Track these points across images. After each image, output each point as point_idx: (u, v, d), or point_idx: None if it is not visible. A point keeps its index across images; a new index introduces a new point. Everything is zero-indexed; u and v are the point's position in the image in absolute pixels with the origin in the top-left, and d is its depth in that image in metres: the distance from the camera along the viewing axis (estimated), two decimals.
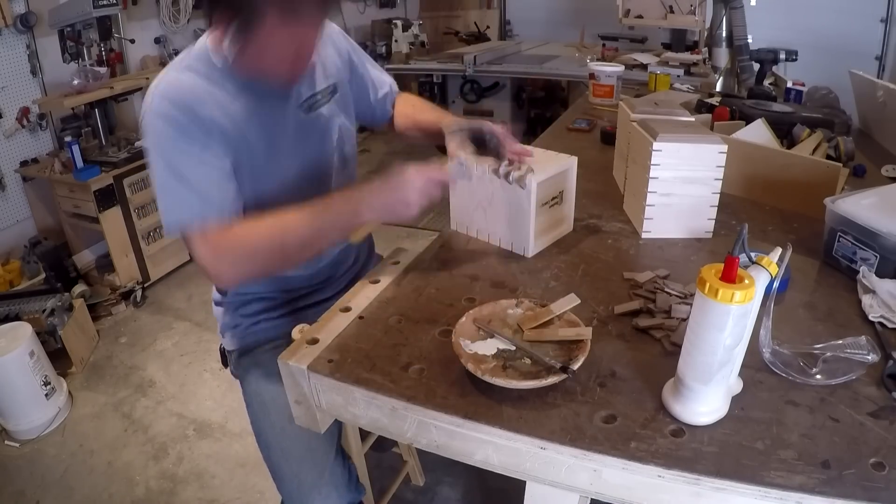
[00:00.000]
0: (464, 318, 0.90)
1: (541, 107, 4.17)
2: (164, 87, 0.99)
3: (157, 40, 3.32)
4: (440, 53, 4.23)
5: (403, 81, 3.97)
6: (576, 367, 0.79)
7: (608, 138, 1.77)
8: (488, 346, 0.86)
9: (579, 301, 0.93)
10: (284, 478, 1.11)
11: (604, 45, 3.77)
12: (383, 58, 4.78)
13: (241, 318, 1.23)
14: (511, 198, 1.12)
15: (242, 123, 1.03)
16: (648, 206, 1.18)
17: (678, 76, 2.83)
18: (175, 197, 0.98)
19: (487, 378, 0.78)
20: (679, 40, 3.64)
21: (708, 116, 1.71)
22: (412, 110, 1.34)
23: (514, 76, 3.86)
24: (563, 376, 0.78)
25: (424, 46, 4.88)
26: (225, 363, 1.33)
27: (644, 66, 3.04)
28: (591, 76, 2.30)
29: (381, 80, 1.32)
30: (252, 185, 1.06)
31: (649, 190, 1.16)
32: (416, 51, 4.75)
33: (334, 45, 1.21)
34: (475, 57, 3.64)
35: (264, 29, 0.91)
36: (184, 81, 1.00)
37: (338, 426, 1.15)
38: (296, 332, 0.95)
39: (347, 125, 1.23)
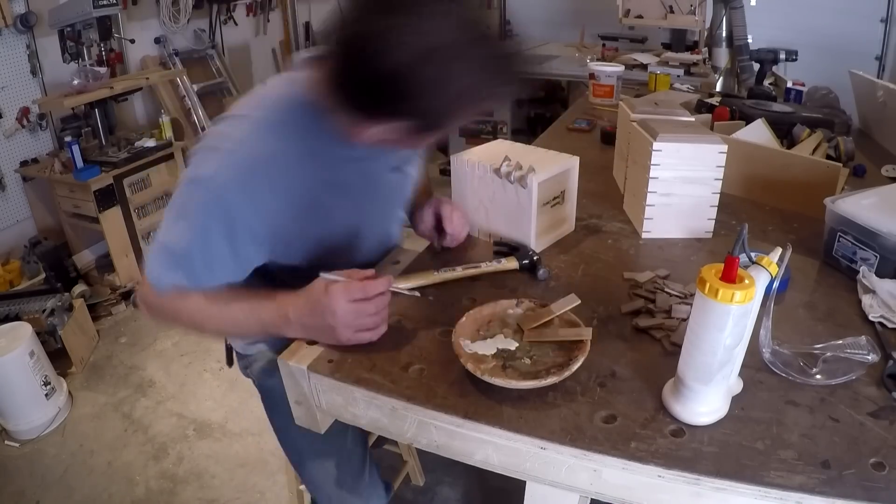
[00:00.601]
0: (464, 318, 0.89)
1: (541, 107, 4.17)
2: (241, 156, 0.84)
3: (157, 40, 3.32)
4: None
5: None
6: (575, 367, 0.79)
7: (608, 138, 1.77)
8: (488, 346, 0.86)
9: (579, 301, 0.93)
10: (321, 484, 1.09)
11: (604, 45, 3.77)
12: None
13: None
14: (512, 197, 1.12)
15: (325, 179, 0.93)
16: (648, 206, 1.18)
17: (678, 76, 2.83)
18: (185, 253, 0.87)
19: (487, 378, 0.78)
20: (679, 40, 3.63)
21: (708, 116, 1.71)
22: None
23: None
24: (563, 376, 0.78)
25: None
26: (229, 362, 1.31)
27: (644, 66, 3.04)
28: (591, 76, 2.30)
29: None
30: (313, 237, 0.97)
31: (649, 190, 1.16)
32: None
33: None
34: None
35: (422, 134, 0.80)
36: (267, 153, 0.85)
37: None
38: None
39: (415, 178, 1.16)
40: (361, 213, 1.02)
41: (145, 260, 0.90)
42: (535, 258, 1.08)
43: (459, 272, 1.05)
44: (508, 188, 1.12)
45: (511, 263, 1.07)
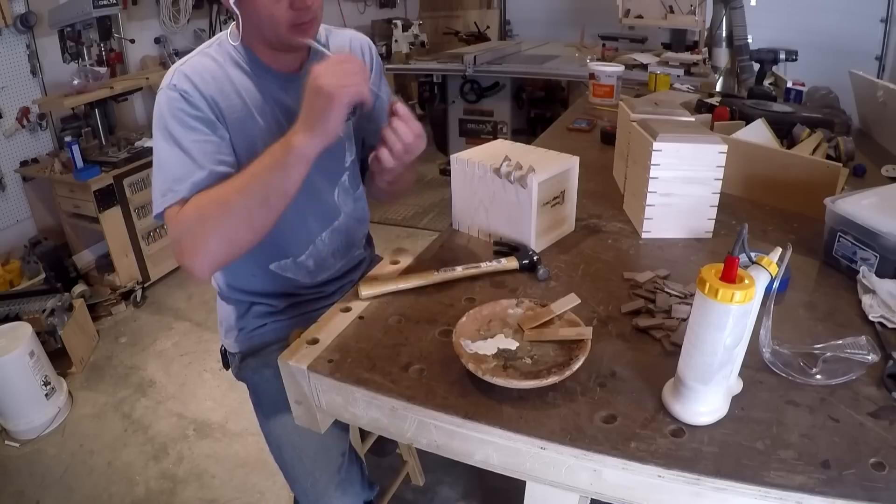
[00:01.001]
0: (464, 318, 0.89)
1: (541, 107, 4.17)
2: (187, 67, 1.01)
3: (157, 40, 3.32)
4: (440, 53, 4.23)
5: (403, 81, 3.97)
6: (576, 367, 0.79)
7: (608, 138, 1.77)
8: (489, 346, 0.86)
9: (579, 301, 0.93)
10: (298, 477, 1.11)
11: (604, 45, 3.77)
12: (383, 58, 4.77)
13: (247, 321, 1.24)
14: (512, 198, 1.12)
15: (258, 108, 1.05)
16: (648, 206, 1.18)
17: (678, 76, 2.83)
18: (174, 167, 0.97)
19: (488, 378, 0.78)
20: (679, 40, 3.64)
21: (708, 116, 1.71)
22: None
23: (514, 76, 3.86)
24: (564, 375, 0.78)
25: (424, 46, 4.88)
26: (226, 365, 1.33)
27: (644, 66, 3.04)
28: (591, 76, 2.30)
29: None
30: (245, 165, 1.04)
31: (649, 190, 1.16)
32: (416, 51, 4.75)
33: (378, 78, 1.20)
34: (475, 57, 3.64)
35: None
36: (206, 64, 1.02)
37: (347, 424, 1.15)
38: (293, 337, 0.95)
39: (348, 133, 1.20)
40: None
41: (155, 198, 0.98)
42: (534, 258, 1.08)
43: (459, 272, 1.05)
44: (508, 188, 1.12)
45: (511, 263, 1.08)
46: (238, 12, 0.99)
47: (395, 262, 1.13)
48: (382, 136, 0.99)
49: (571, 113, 2.24)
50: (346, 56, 0.93)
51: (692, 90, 2.38)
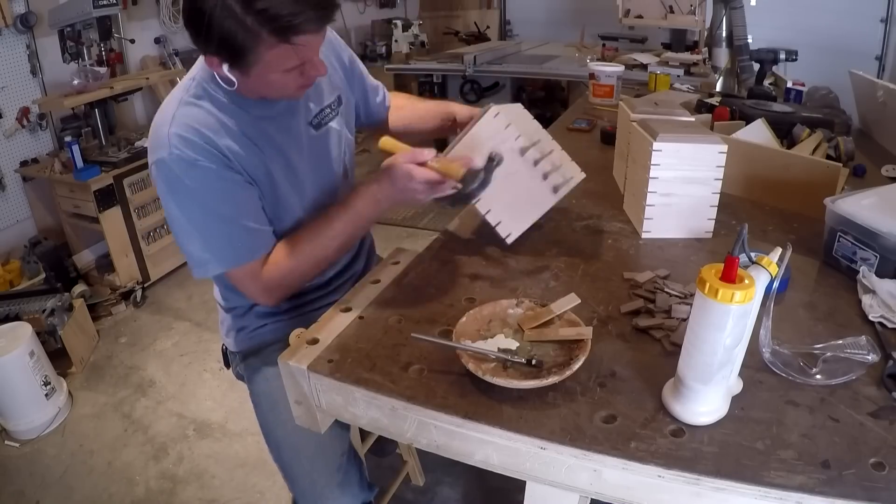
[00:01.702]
0: (464, 318, 0.89)
1: (541, 107, 4.17)
2: (179, 127, 0.95)
3: (157, 40, 3.32)
4: (440, 53, 4.23)
5: (403, 81, 3.97)
6: (576, 366, 0.79)
7: (608, 138, 1.77)
8: (489, 346, 0.86)
9: (579, 301, 0.93)
10: (297, 477, 1.11)
11: (604, 45, 3.77)
12: (383, 58, 4.78)
13: (248, 320, 1.23)
14: (529, 185, 1.12)
15: (260, 149, 1.03)
16: (648, 206, 1.18)
17: (678, 76, 2.83)
18: (221, 238, 1.00)
19: (488, 378, 0.78)
20: (679, 40, 3.63)
21: (708, 116, 1.71)
22: (408, 102, 1.36)
23: (514, 76, 3.86)
24: (564, 375, 0.78)
25: (424, 46, 4.88)
26: (227, 364, 1.33)
27: (644, 66, 3.04)
28: (591, 76, 2.30)
29: (374, 83, 1.33)
30: (273, 207, 1.07)
31: (649, 190, 1.16)
32: (416, 51, 4.75)
33: (335, 51, 1.20)
34: (475, 57, 3.64)
35: (262, 52, 0.89)
36: (198, 117, 0.97)
37: (347, 424, 1.15)
38: (293, 337, 0.95)
39: (349, 136, 1.24)
40: (295, 168, 1.09)
41: (201, 261, 1.01)
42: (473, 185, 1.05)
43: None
44: (529, 173, 1.11)
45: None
46: (234, 79, 0.95)
47: (396, 263, 1.13)
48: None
49: (571, 113, 2.24)
50: (429, 175, 0.99)
51: (692, 90, 2.38)
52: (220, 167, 0.97)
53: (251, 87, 0.98)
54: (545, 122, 1.48)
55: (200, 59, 1.01)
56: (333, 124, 1.17)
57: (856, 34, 4.07)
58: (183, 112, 0.97)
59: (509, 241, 1.15)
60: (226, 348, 1.30)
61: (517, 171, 1.11)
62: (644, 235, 1.21)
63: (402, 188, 0.99)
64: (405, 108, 1.36)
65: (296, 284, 1.09)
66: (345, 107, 1.20)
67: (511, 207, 1.14)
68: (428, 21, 5.26)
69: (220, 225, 0.99)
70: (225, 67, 0.92)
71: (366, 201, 1.04)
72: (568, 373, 0.78)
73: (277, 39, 0.87)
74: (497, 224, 1.15)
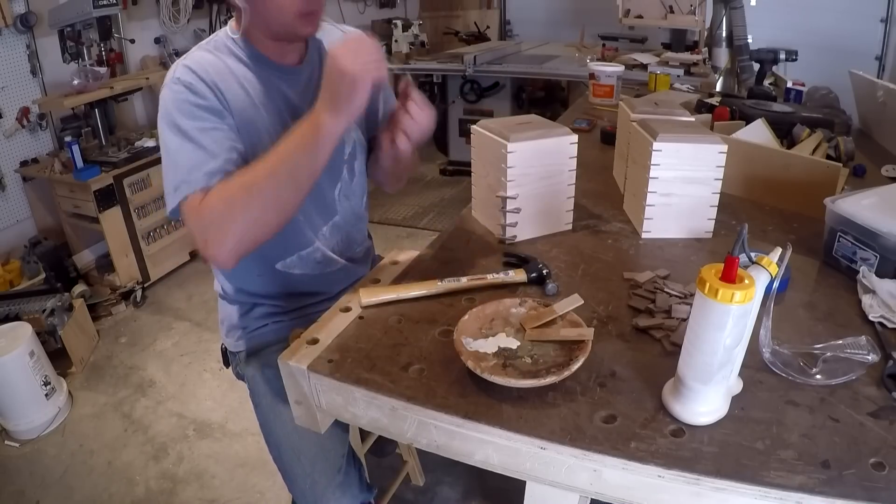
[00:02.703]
0: (466, 316, 0.89)
1: (541, 107, 4.18)
2: (188, 61, 1.02)
3: (157, 40, 3.32)
4: (440, 53, 4.23)
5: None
6: (576, 367, 0.79)
7: (608, 138, 1.77)
8: (489, 345, 0.86)
9: (582, 301, 0.93)
10: (297, 478, 1.11)
11: (604, 45, 3.77)
12: None
13: (248, 321, 1.23)
14: (557, 207, 1.18)
15: (260, 99, 1.05)
16: (648, 206, 1.18)
17: (678, 76, 2.83)
18: (187, 158, 0.96)
19: (487, 376, 0.78)
20: (679, 40, 3.64)
21: (708, 116, 1.72)
22: None
23: (514, 76, 3.86)
24: (563, 375, 0.78)
25: (424, 46, 4.87)
26: (227, 363, 1.33)
27: (644, 66, 3.04)
28: (591, 76, 2.30)
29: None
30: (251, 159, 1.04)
31: (649, 190, 1.16)
32: (416, 51, 4.74)
33: None
34: (475, 57, 3.64)
35: None
36: (207, 58, 1.03)
37: (347, 425, 1.15)
38: (293, 337, 0.95)
39: (362, 140, 1.23)
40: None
41: (168, 194, 0.97)
42: (544, 272, 1.04)
43: (464, 283, 1.02)
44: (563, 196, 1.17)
45: (519, 276, 1.05)
46: (243, 4, 0.99)
47: (395, 263, 1.13)
48: (396, 118, 1.00)
49: (571, 113, 2.24)
50: (360, 36, 0.92)
51: (692, 90, 2.38)
52: (208, 96, 0.99)
53: (255, 13, 1.00)
54: None
55: (226, 26, 1.09)
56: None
57: (856, 34, 4.07)
58: (196, 54, 1.04)
59: (507, 241, 1.16)
60: (225, 348, 1.30)
61: (557, 191, 1.18)
62: (644, 235, 1.21)
63: (330, 74, 0.88)
64: None
65: (227, 219, 0.91)
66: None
67: (534, 217, 1.17)
68: (428, 21, 5.26)
69: (188, 145, 0.96)
70: (240, 14, 0.98)
71: (305, 117, 0.93)
72: (567, 373, 0.78)
73: None
74: (510, 223, 1.16)
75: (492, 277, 1.03)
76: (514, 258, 1.11)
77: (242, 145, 1.02)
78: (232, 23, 1.08)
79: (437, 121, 1.04)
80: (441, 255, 1.17)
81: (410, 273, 1.10)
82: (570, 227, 1.24)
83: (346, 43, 0.89)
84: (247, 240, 0.93)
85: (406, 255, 1.16)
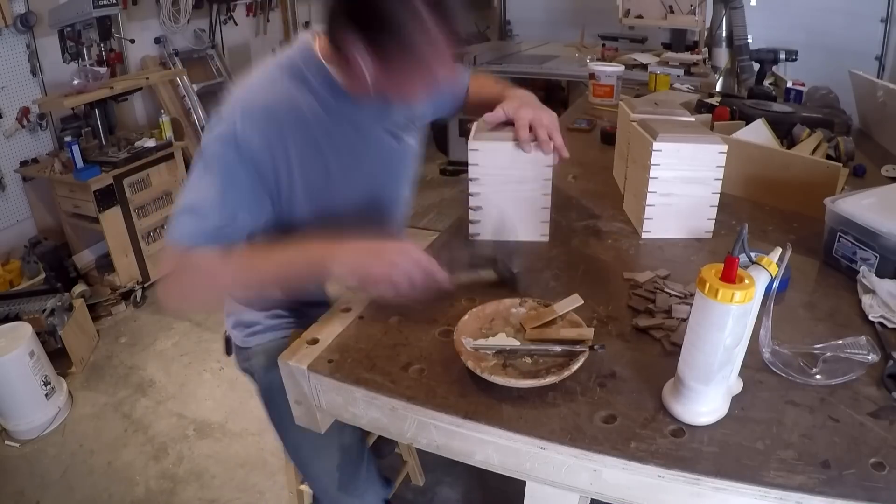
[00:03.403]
0: (466, 316, 0.89)
1: None
2: (251, 105, 0.94)
3: (157, 40, 3.32)
4: None
5: None
6: (575, 367, 0.79)
7: (608, 138, 1.77)
8: (489, 344, 0.86)
9: (582, 301, 0.93)
10: (318, 476, 1.10)
11: (604, 45, 3.76)
12: None
13: (259, 317, 1.21)
14: (527, 215, 1.14)
15: (325, 129, 1.00)
16: (648, 206, 1.18)
17: (678, 76, 2.83)
18: (202, 198, 0.93)
19: (486, 376, 0.78)
20: (679, 40, 3.63)
21: (708, 116, 1.71)
22: (479, 89, 1.31)
23: (514, 76, 3.86)
24: (563, 376, 0.78)
25: None
26: (228, 352, 1.31)
27: (644, 66, 3.04)
28: (591, 76, 2.30)
29: (461, 72, 1.27)
30: (317, 198, 1.03)
31: (649, 190, 1.16)
32: None
33: None
34: (475, 57, 3.64)
35: (415, 42, 0.85)
36: (275, 96, 0.95)
37: None
38: (292, 338, 0.95)
39: (418, 151, 1.21)
40: (360, 176, 1.05)
41: (170, 227, 0.94)
42: (514, 270, 1.02)
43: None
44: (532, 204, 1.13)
45: (488, 275, 1.04)
46: (371, 74, 0.90)
47: None
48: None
49: (571, 113, 2.24)
50: (427, 266, 0.89)
51: (692, 90, 2.38)
52: (255, 167, 0.94)
53: (379, 87, 0.92)
54: None
55: (306, 36, 1.00)
56: (411, 140, 1.13)
57: (856, 34, 4.07)
58: (264, 95, 0.96)
59: (472, 238, 1.16)
60: (229, 337, 1.29)
61: (527, 198, 1.14)
62: (644, 235, 1.21)
63: (377, 253, 0.88)
64: (480, 92, 1.29)
65: (195, 297, 0.98)
66: (421, 119, 1.17)
67: (501, 218, 1.15)
68: None
69: (206, 194, 0.93)
70: (356, 58, 0.88)
71: (320, 248, 0.92)
72: (567, 373, 0.78)
73: (435, 32, 0.85)
74: (474, 222, 1.15)
75: (464, 276, 1.02)
76: (481, 260, 1.08)
77: (292, 198, 0.99)
78: (319, 44, 0.98)
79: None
80: (442, 254, 1.17)
81: None
82: (546, 238, 1.19)
83: (410, 258, 0.87)
84: (190, 308, 1.00)
85: None
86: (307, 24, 4.19)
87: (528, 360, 0.84)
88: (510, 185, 1.13)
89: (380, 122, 1.06)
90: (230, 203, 0.93)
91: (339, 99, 0.99)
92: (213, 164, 0.94)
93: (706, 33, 3.16)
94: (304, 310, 1.22)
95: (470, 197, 1.13)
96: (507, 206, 1.14)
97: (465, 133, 4.00)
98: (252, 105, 0.94)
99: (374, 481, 1.11)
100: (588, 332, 0.85)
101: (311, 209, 1.02)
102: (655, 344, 0.89)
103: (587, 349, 0.81)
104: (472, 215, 1.16)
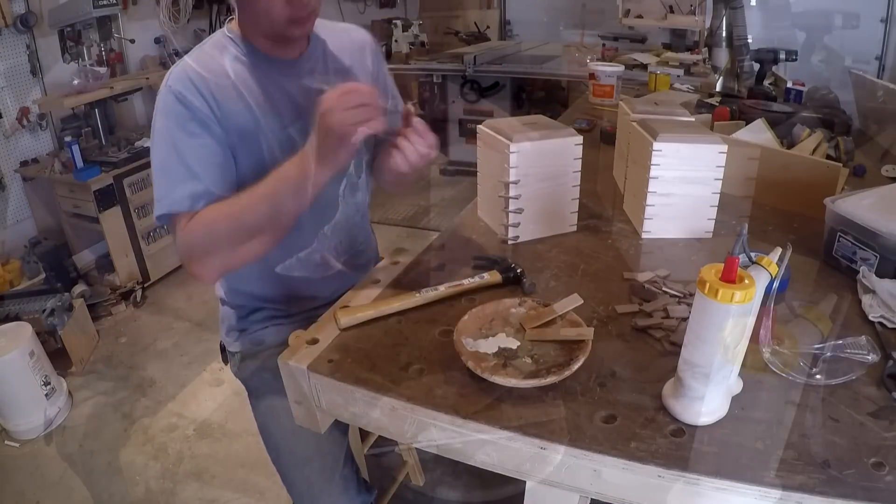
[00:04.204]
0: (466, 316, 0.89)
1: (541, 107, 4.17)
2: (185, 66, 1.02)
3: (157, 40, 3.32)
4: (440, 53, 4.23)
5: (403, 81, 3.98)
6: (575, 367, 0.79)
7: (608, 138, 1.76)
8: (489, 345, 0.86)
9: (582, 301, 0.93)
10: (295, 481, 1.11)
11: (604, 45, 3.77)
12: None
13: (249, 323, 1.23)
14: (561, 208, 1.15)
15: (257, 101, 1.05)
16: (648, 206, 1.18)
17: (678, 76, 2.83)
18: (173, 172, 0.99)
19: (487, 376, 0.78)
20: (679, 40, 3.64)
21: (708, 116, 1.72)
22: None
23: (514, 76, 3.86)
24: (563, 376, 0.78)
25: (424, 46, 4.87)
26: (225, 360, 1.32)
27: (644, 66, 3.04)
28: (591, 76, 2.30)
29: (396, 95, 1.28)
30: (254, 149, 1.05)
31: (649, 190, 1.16)
32: (416, 51, 4.74)
33: (364, 55, 1.20)
34: (475, 57, 3.64)
35: None
36: (203, 59, 1.03)
37: (345, 427, 1.15)
38: (292, 339, 0.95)
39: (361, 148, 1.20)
40: (288, 126, 1.07)
41: (156, 200, 0.99)
42: (518, 270, 1.04)
43: (442, 291, 1.00)
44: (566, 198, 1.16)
45: (494, 277, 1.04)
46: (236, 5, 1.02)
47: (395, 263, 1.13)
48: (397, 143, 0.98)
49: (571, 113, 2.24)
50: (352, 86, 0.89)
51: (692, 90, 2.38)
52: (197, 114, 0.99)
53: (247, 15, 1.02)
54: None
55: (225, 26, 1.10)
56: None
57: (856, 34, 4.07)
58: (195, 56, 1.04)
59: (510, 242, 1.16)
60: (224, 345, 1.30)
61: (561, 192, 1.18)
62: (644, 235, 1.21)
63: (320, 124, 0.88)
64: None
65: (210, 245, 0.98)
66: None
67: (537, 217, 1.16)
68: (428, 21, 5.25)
69: (176, 168, 0.99)
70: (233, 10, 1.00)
71: (290, 161, 0.94)
72: (567, 373, 0.78)
73: None
74: (514, 223, 1.16)
75: (468, 282, 1.02)
76: (485, 261, 1.10)
77: (235, 155, 1.03)
78: (230, 23, 1.08)
79: (438, 147, 1.02)
80: (441, 255, 1.17)
81: (409, 273, 1.10)
82: (574, 228, 1.23)
83: (335, 94, 0.87)
84: (227, 266, 1.03)
85: (406, 256, 1.16)
86: None
87: (528, 360, 0.84)
88: (546, 182, 1.16)
89: (309, 90, 1.06)
90: (196, 154, 0.99)
91: (263, 64, 1.06)
92: (165, 131, 1.00)
93: (706, 33, 3.16)
94: (291, 314, 1.23)
95: (511, 200, 1.14)
96: (542, 204, 1.17)
97: (465, 133, 4.01)
98: (179, 69, 1.01)
99: (349, 487, 1.11)
100: (588, 332, 0.85)
101: (250, 164, 1.05)
102: (655, 344, 0.89)
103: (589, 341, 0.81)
104: (512, 218, 1.16)
